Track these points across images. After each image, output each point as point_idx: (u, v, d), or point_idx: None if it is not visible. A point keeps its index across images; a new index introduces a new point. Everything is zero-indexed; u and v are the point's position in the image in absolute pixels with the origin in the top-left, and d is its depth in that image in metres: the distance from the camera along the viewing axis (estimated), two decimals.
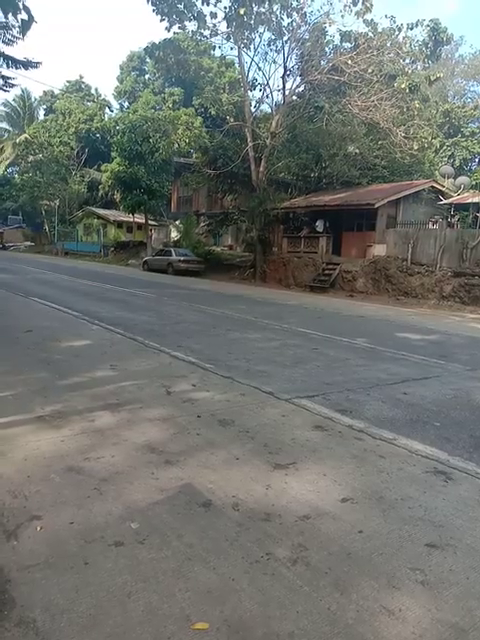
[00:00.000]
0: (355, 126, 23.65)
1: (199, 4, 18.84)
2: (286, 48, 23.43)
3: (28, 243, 48.85)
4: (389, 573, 2.43)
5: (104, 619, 2.02)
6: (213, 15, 19.88)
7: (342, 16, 21.31)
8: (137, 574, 2.29)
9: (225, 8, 20.02)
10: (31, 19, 4.48)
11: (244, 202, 26.19)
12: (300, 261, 23.45)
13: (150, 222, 35.96)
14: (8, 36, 11.98)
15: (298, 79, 24.60)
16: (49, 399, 4.74)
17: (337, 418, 4.70)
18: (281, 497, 3.11)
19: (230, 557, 2.47)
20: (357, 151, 25.20)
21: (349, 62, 21.28)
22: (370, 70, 21.25)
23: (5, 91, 13.45)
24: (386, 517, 2.96)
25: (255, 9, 19.81)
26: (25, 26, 4.73)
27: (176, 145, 32.26)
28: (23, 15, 4.42)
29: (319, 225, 23.43)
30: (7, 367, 5.90)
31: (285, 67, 23.82)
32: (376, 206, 20.89)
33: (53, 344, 7.20)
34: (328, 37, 23.44)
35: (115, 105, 53.49)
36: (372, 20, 20.78)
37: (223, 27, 21.63)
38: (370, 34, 21.17)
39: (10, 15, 4.68)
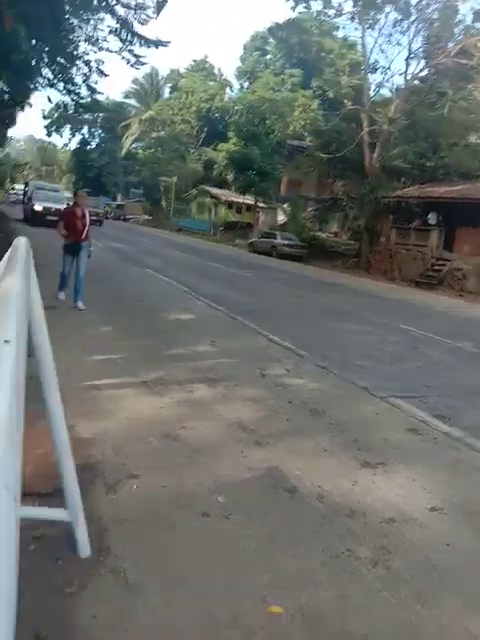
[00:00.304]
0: (479, 115, 21.83)
1: None
2: (412, 29, 22.13)
3: (146, 217, 51.09)
4: (477, 594, 2.31)
5: (186, 583, 2.13)
6: None
7: None
8: (220, 547, 2.39)
9: None
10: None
11: (354, 188, 25.42)
12: (408, 254, 22.39)
13: (259, 204, 36.19)
14: (143, 16, 12.51)
15: (422, 62, 23.19)
16: (153, 366, 5.01)
17: (434, 423, 4.49)
18: (367, 496, 3.06)
19: (311, 547, 2.49)
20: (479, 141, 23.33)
21: (479, 45, 19.57)
22: None
23: (136, 68, 14.18)
24: (477, 533, 2.81)
25: None
26: (159, 6, 4.91)
27: (291, 127, 32.00)
28: None
29: (432, 218, 22.11)
30: (120, 332, 6.32)
31: (409, 49, 22.54)
32: None
33: (161, 315, 7.58)
34: (459, 16, 21.71)
35: (236, 85, 54.01)
36: None
37: (348, 7, 20.92)
38: None
39: None
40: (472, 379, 6.30)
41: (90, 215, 7.37)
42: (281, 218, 36.31)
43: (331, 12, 21.29)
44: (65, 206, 25.18)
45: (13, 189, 57.72)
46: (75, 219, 7.05)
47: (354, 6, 19.70)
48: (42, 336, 1.97)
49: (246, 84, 51.17)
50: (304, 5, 19.68)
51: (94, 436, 3.29)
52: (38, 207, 22.07)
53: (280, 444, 3.61)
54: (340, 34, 26.29)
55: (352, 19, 21.58)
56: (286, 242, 26.43)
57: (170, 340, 6.18)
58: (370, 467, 3.45)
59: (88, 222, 7.17)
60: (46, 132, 56.74)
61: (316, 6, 20.46)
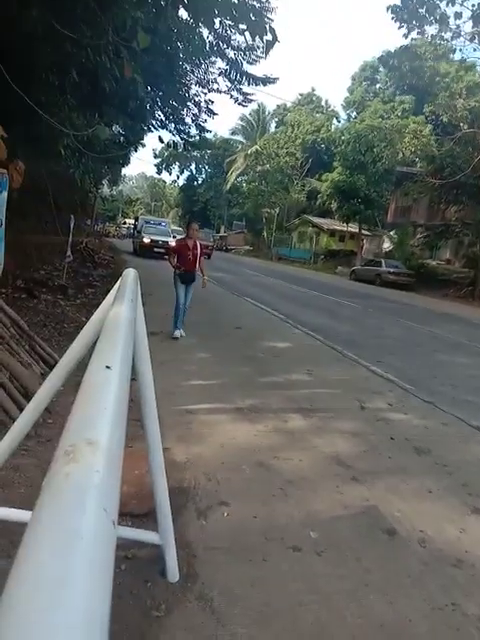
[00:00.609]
0: None
1: (443, 5, 17.85)
2: None
3: (247, 247, 52.76)
4: None
5: (273, 619, 2.06)
6: (457, 15, 18.63)
7: None
8: (311, 585, 2.28)
9: (472, 6, 18.59)
10: (275, 39, 4.79)
11: (470, 214, 24.12)
12: None
13: (363, 231, 35.61)
14: (252, 56, 13.09)
15: None
16: (248, 393, 5.03)
17: None
18: (477, 545, 2.77)
19: (410, 595, 2.29)
20: None
21: None
22: None
23: (244, 106, 14.78)
24: None
25: None
26: (268, 46, 5.07)
27: (400, 154, 31.27)
28: (268, 36, 4.76)
29: None
30: (217, 359, 6.46)
31: None
32: None
33: (258, 342, 7.63)
34: None
35: (343, 115, 54.18)
36: None
37: (468, 27, 20.20)
38: None
39: (257, 37, 5.06)
40: None
41: (201, 248, 7.38)
42: (387, 245, 35.35)
43: (448, 35, 20.64)
44: (174, 238, 26.93)
45: (125, 223, 62.46)
46: (186, 251, 7.11)
47: (474, 26, 18.97)
48: (145, 362, 2.06)
49: (354, 114, 51.22)
50: (418, 31, 19.33)
51: (188, 460, 3.35)
52: (146, 240, 23.54)
53: (379, 482, 3.41)
54: (457, 56, 25.40)
55: (472, 39, 20.74)
56: (391, 270, 25.61)
57: (265, 368, 6.19)
58: None
59: (199, 253, 7.20)
60: (157, 170, 60.99)
61: (431, 30, 19.98)
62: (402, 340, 9.75)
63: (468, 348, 9.76)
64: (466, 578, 2.47)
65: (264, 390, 5.25)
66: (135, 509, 2.55)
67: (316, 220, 43.87)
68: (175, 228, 39.39)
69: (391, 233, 34.90)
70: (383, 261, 27.00)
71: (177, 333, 7.17)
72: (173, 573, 2.14)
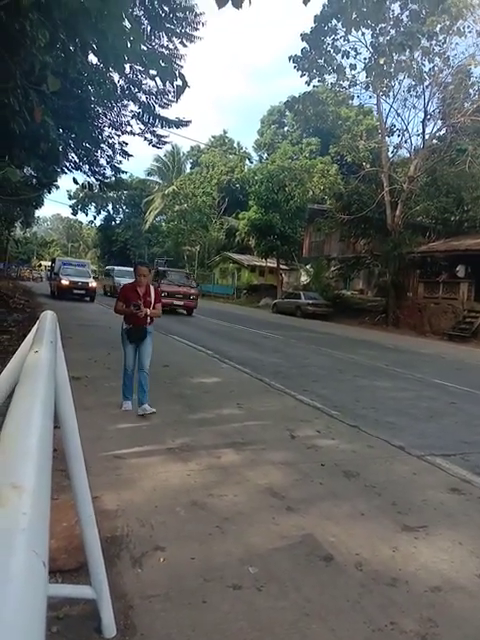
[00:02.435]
0: None
1: (339, 57, 19.43)
2: (427, 93, 23.17)
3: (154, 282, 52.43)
4: None
5: None
6: (352, 67, 20.35)
7: None
8: (253, 621, 2.24)
9: (364, 59, 20.39)
10: (185, 85, 4.97)
11: (378, 246, 25.73)
12: (437, 307, 22.18)
13: (281, 266, 36.85)
14: (164, 100, 13.44)
15: (439, 123, 24.05)
16: (179, 432, 4.95)
17: (477, 482, 4.26)
18: (409, 562, 2.86)
19: (350, 619, 2.31)
20: None
21: None
22: None
23: (158, 148, 15.06)
24: None
25: (395, 58, 19.85)
26: (179, 91, 5.23)
27: (311, 192, 33.02)
28: (178, 82, 4.92)
29: (460, 270, 22.07)
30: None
31: (425, 111, 23.47)
32: None
33: (186, 379, 7.57)
34: (473, 78, 22.67)
35: (255, 157, 56.57)
36: None
37: (362, 77, 22.03)
38: None
39: (167, 83, 5.22)
40: None
41: (156, 295, 5.74)
42: (304, 278, 36.76)
43: (345, 83, 22.47)
44: (96, 279, 26.09)
45: (39, 266, 60.51)
46: (135, 298, 5.47)
47: (367, 76, 20.76)
48: (68, 407, 1.98)
49: (265, 155, 53.62)
50: (318, 79, 20.84)
51: (119, 507, 3.21)
52: (65, 281, 22.75)
53: (313, 509, 3.45)
54: (355, 102, 27.57)
55: (367, 88, 22.70)
56: (310, 301, 26.62)
57: (195, 404, 6.14)
58: (411, 531, 3.26)
59: (153, 301, 5.63)
60: (72, 211, 60.00)
61: (330, 79, 21.64)
62: (325, 368, 10.07)
63: (386, 371, 10.26)
64: (402, 596, 2.53)
65: (195, 427, 5.19)
66: (65, 564, 2.40)
67: (236, 256, 44.86)
68: (94, 269, 38.68)
69: (307, 266, 36.41)
70: (302, 293, 28.04)
71: (126, 405, 5.57)
72: (109, 628, 2.02)
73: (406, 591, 2.57)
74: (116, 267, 30.97)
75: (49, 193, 20.78)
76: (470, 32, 20.41)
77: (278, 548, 2.89)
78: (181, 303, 20.81)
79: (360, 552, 2.92)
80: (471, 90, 22.66)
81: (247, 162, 55.03)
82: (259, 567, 2.67)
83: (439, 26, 19.72)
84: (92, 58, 7.99)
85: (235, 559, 2.74)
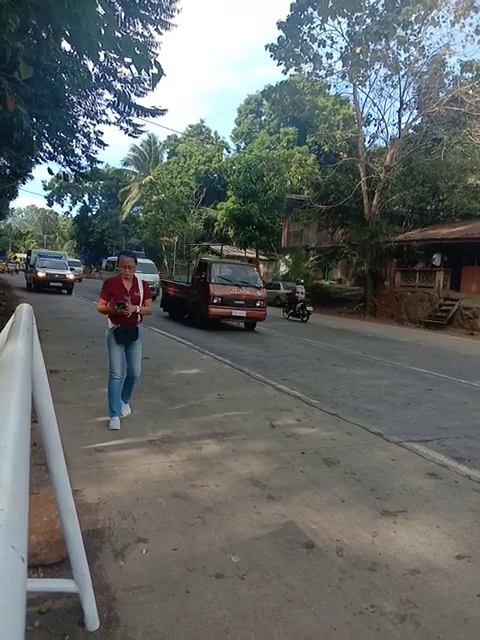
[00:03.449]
0: (476, 157, 22.58)
1: (315, 46, 19.39)
2: (403, 82, 23.26)
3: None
4: None
5: None
6: (329, 56, 20.34)
7: (463, 46, 20.83)
8: (236, 610, 2.26)
9: (341, 48, 20.38)
10: (161, 73, 4.89)
11: (355, 236, 25.92)
12: (414, 296, 22.48)
13: (260, 256, 36.84)
14: (139, 89, 13.23)
15: (415, 112, 24.24)
16: (160, 424, 4.94)
17: (453, 466, 4.35)
18: (389, 546, 2.92)
19: (332, 604, 2.35)
20: (479, 182, 23.94)
21: (470, 92, 20.55)
22: None
23: (134, 137, 14.84)
24: None
25: (371, 47, 19.90)
26: (155, 79, 5.15)
27: (289, 182, 33.04)
28: (154, 70, 4.84)
29: (436, 259, 22.40)
30: None
31: (401, 101, 23.59)
32: None
33: (167, 371, 7.54)
34: (448, 68, 22.87)
35: (232, 146, 56.20)
36: None
37: (338, 66, 22.01)
38: None
39: (143, 71, 5.14)
40: None
41: (145, 288, 4.97)
42: (283, 269, 36.88)
43: (322, 73, 22.43)
44: (72, 271, 25.50)
45: (15, 258, 59.38)
46: (122, 293, 4.74)
47: (344, 65, 20.77)
48: (46, 400, 1.95)
49: (243, 145, 53.34)
50: (295, 68, 20.78)
51: (100, 500, 3.19)
52: (41, 274, 22.45)
53: (294, 497, 3.49)
54: (332, 91, 27.55)
55: (343, 77, 22.70)
56: (290, 291, 26.71)
57: (176, 396, 6.13)
58: (390, 516, 3.32)
59: (142, 296, 4.88)
60: (47, 202, 58.91)
61: (307, 68, 21.59)
62: (304, 357, 10.14)
63: (364, 360, 10.38)
64: (382, 579, 2.58)
65: (176, 419, 5.18)
66: (47, 559, 2.38)
67: (215, 247, 44.59)
68: (72, 260, 38.05)
69: (286, 257, 36.52)
70: (281, 284, 28.12)
71: (114, 422, 4.70)
72: (92, 621, 2.01)
73: (386, 575, 2.63)
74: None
75: (23, 184, 20.33)
76: (444, 22, 20.50)
77: (260, 536, 2.92)
78: (242, 314, 13.86)
79: (341, 538, 2.96)
80: (446, 80, 22.86)
81: (225, 152, 54.69)
82: (241, 556, 2.69)
83: (414, 16, 19.77)
84: (65, 45, 7.82)
85: (217, 548, 2.75)
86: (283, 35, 18.49)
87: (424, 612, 2.34)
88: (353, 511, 3.35)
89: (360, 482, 3.86)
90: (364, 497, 3.59)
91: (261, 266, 38.27)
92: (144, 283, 5.01)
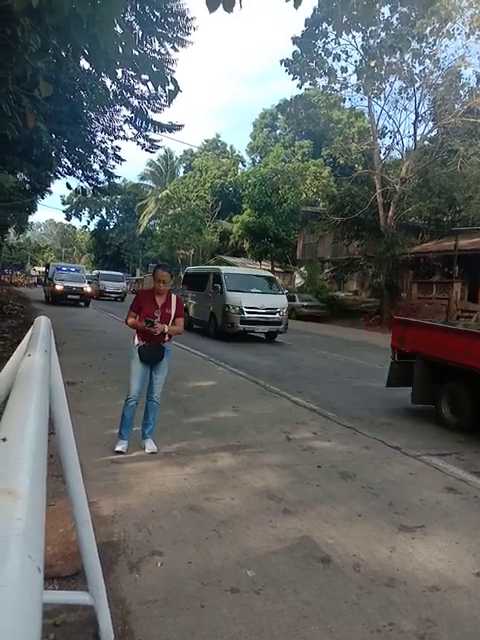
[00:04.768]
0: None
1: (330, 60, 19.56)
2: (418, 94, 23.27)
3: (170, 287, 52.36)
4: None
5: None
6: (343, 69, 20.51)
7: (479, 57, 20.72)
8: (251, 625, 2.23)
9: (355, 62, 20.54)
10: (177, 89, 4.97)
11: (371, 248, 25.82)
12: (431, 308, 22.23)
13: (276, 269, 36.88)
14: (156, 105, 13.46)
15: (430, 124, 24.22)
16: (175, 436, 4.94)
17: (473, 481, 4.27)
18: (407, 563, 2.87)
19: (349, 621, 2.31)
20: None
21: None
22: None
23: (151, 152, 15.05)
24: None
25: (386, 60, 20.02)
26: (171, 96, 5.23)
27: (304, 195, 33.13)
28: (171, 86, 4.93)
29: (454, 270, 22.19)
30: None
31: (416, 113, 23.59)
32: None
33: (182, 383, 7.56)
34: (463, 80, 22.84)
35: (248, 160, 56.62)
36: None
37: (353, 80, 22.17)
38: None
39: (159, 87, 5.23)
40: None
41: (178, 306, 4.63)
42: (298, 281, 36.82)
43: (337, 86, 22.61)
44: (89, 284, 25.79)
45: (34, 271, 60.38)
46: (152, 308, 4.46)
47: (359, 79, 20.90)
48: (63, 413, 1.97)
49: (258, 158, 53.72)
50: (310, 82, 20.97)
51: (116, 512, 3.20)
52: (59, 286, 22.80)
53: (310, 512, 3.45)
54: (347, 104, 27.68)
55: (358, 90, 22.85)
56: (305, 303, 26.66)
57: (191, 408, 6.13)
58: (408, 531, 3.26)
59: (173, 314, 4.54)
60: (65, 216, 59.90)
61: (322, 82, 21.76)
62: (320, 369, 10.08)
63: (381, 373, 10.24)
64: (400, 596, 2.54)
65: (191, 431, 5.18)
66: (62, 570, 2.39)
67: (230, 260, 44.80)
68: (88, 274, 38.53)
69: (301, 269, 36.48)
70: (297, 296, 28.07)
71: (121, 445, 4.41)
72: (107, 634, 2.01)
73: (404, 591, 2.58)
74: (102, 271, 31.65)
75: (42, 198, 20.70)
76: (459, 34, 20.57)
77: (275, 551, 2.89)
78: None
79: (357, 553, 2.92)
80: (461, 91, 22.82)
81: (240, 165, 55.13)
82: (257, 570, 2.67)
83: (429, 28, 19.87)
84: (84, 63, 8.00)
85: (233, 563, 2.73)
86: (298, 50, 18.69)
87: (443, 631, 2.28)
88: (370, 526, 3.30)
89: (377, 496, 3.81)
90: (381, 512, 3.54)
91: (277, 278, 38.33)
92: (178, 300, 4.66)
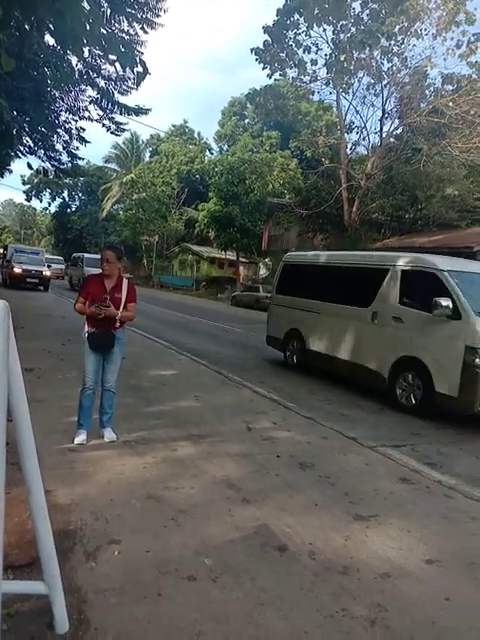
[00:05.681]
0: (455, 168, 23.00)
1: (300, 52, 19.53)
2: (385, 91, 23.59)
3: (127, 275, 51.70)
4: None
5: None
6: (313, 62, 20.49)
7: (444, 59, 21.19)
8: (208, 613, 2.25)
9: (325, 55, 20.54)
10: (146, 71, 4.86)
11: (335, 242, 26.14)
12: None
13: (240, 259, 36.88)
14: (124, 87, 13.12)
15: (396, 121, 24.62)
16: (135, 425, 4.90)
17: (425, 472, 4.42)
18: (360, 550, 2.95)
19: (304, 608, 2.36)
20: (456, 193, 24.40)
21: (450, 104, 20.96)
22: (472, 112, 20.74)
23: (117, 135, 14.72)
24: (478, 586, 2.70)
25: (355, 55, 20.10)
26: (139, 78, 5.12)
27: (270, 186, 33.17)
28: (139, 68, 4.81)
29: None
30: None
31: (383, 110, 23.93)
32: (474, 249, 19.92)
33: (143, 371, 7.48)
34: (429, 80, 23.28)
35: (215, 148, 56.16)
36: (477, 62, 20.34)
37: (323, 73, 22.20)
38: (474, 76, 20.73)
39: (127, 69, 5.10)
40: (462, 426, 6.25)
41: (130, 290, 4.47)
42: (263, 272, 36.96)
43: (306, 78, 22.62)
44: (49, 267, 25.04)
45: None
46: (101, 292, 4.31)
47: (328, 72, 20.96)
48: (21, 400, 1.91)
49: (225, 147, 53.37)
50: (280, 73, 20.90)
51: (73, 501, 3.16)
52: (17, 269, 22.16)
53: (269, 500, 3.50)
54: (316, 97, 27.74)
55: (327, 84, 22.91)
56: (269, 294, 26.80)
57: (152, 397, 6.09)
58: (362, 520, 3.35)
59: (124, 299, 4.37)
60: (26, 197, 57.99)
61: (292, 73, 21.72)
62: (282, 361, 10.17)
63: None
64: (353, 583, 2.61)
65: (151, 420, 5.15)
66: (17, 560, 2.34)
67: (196, 248, 44.54)
68: (49, 257, 37.49)
69: (266, 260, 36.62)
70: (261, 287, 28.18)
71: (80, 435, 4.30)
72: (62, 623, 1.98)
73: (357, 578, 2.65)
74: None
75: (2, 177, 19.89)
76: (427, 35, 20.90)
77: (233, 539, 2.92)
78: None
79: (314, 541, 2.98)
80: (427, 91, 23.25)
81: (207, 153, 54.65)
82: (214, 558, 2.69)
83: (398, 27, 20.08)
84: (49, 39, 7.70)
85: (191, 551, 2.74)
86: (269, 39, 18.55)
87: (394, 616, 2.36)
88: (326, 515, 3.38)
89: (334, 486, 3.89)
90: (337, 501, 3.62)
91: (241, 269, 38.34)
92: (130, 284, 4.51)
